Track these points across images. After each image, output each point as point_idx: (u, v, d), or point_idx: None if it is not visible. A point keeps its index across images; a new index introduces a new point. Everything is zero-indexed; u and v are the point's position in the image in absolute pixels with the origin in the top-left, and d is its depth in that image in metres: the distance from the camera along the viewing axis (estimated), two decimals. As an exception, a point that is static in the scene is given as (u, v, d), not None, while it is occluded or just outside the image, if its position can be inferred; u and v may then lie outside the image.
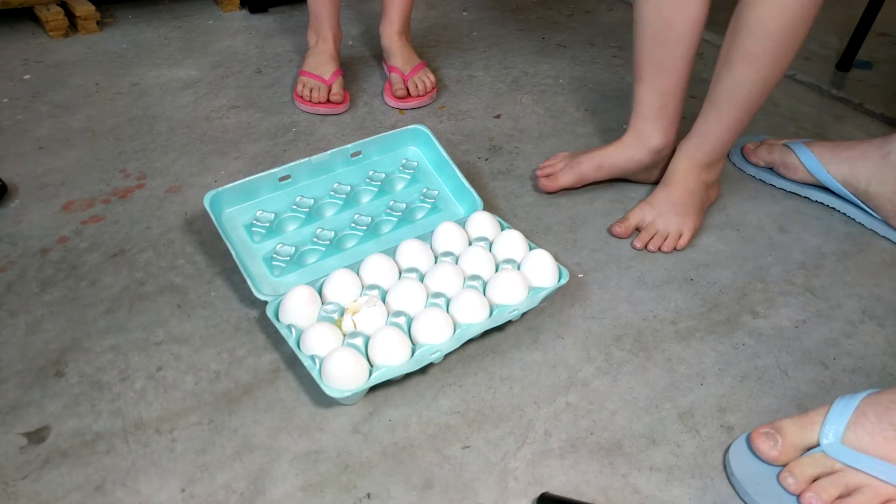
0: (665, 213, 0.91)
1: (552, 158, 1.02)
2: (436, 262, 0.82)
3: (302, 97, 1.18)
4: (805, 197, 1.01)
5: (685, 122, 1.23)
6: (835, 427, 0.63)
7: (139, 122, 1.14)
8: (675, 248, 0.90)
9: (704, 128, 0.92)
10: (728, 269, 0.89)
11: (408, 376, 0.72)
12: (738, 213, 0.99)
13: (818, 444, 0.63)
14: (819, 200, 1.00)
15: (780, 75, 0.85)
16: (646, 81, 0.95)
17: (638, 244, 0.90)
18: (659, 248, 0.90)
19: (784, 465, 0.63)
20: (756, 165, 1.06)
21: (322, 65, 1.20)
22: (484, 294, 0.77)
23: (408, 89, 1.21)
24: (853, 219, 0.97)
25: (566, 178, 0.99)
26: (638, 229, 0.93)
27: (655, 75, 0.94)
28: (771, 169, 1.04)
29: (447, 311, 0.75)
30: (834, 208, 0.99)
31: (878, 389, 0.65)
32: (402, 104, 1.21)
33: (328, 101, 1.18)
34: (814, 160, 0.97)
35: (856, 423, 0.62)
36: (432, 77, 1.24)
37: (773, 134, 1.18)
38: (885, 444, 0.60)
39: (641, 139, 0.97)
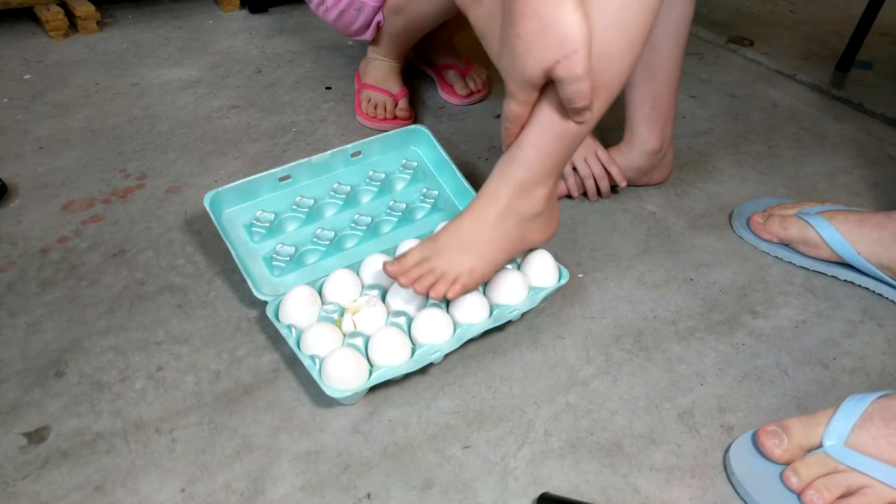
0: (445, 249, 0.72)
1: None
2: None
3: (367, 114, 1.14)
4: (832, 276, 0.87)
5: (683, 122, 1.23)
6: (839, 429, 0.63)
7: (139, 122, 1.14)
8: (445, 297, 0.71)
9: (520, 135, 0.71)
10: (728, 269, 0.89)
11: (408, 376, 0.72)
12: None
13: (822, 445, 0.63)
14: (849, 280, 0.86)
15: (615, 69, 0.66)
16: (635, 84, 0.94)
17: (402, 281, 0.72)
18: (426, 293, 0.71)
19: (786, 465, 0.63)
20: (769, 242, 0.91)
21: (389, 79, 1.17)
22: (484, 294, 0.77)
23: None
24: (891, 300, 0.85)
25: (565, 186, 0.99)
26: None
27: (644, 77, 0.93)
28: (788, 245, 0.90)
29: (447, 311, 0.75)
30: (868, 289, 0.86)
31: (889, 392, 0.65)
32: (467, 101, 1.22)
33: (395, 117, 1.14)
34: (839, 239, 0.84)
35: (861, 427, 0.62)
36: (484, 72, 1.25)
37: (772, 133, 1.18)
38: (889, 448, 0.60)
39: (636, 144, 0.97)
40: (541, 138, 0.69)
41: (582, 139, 0.70)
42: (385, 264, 0.73)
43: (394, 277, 0.73)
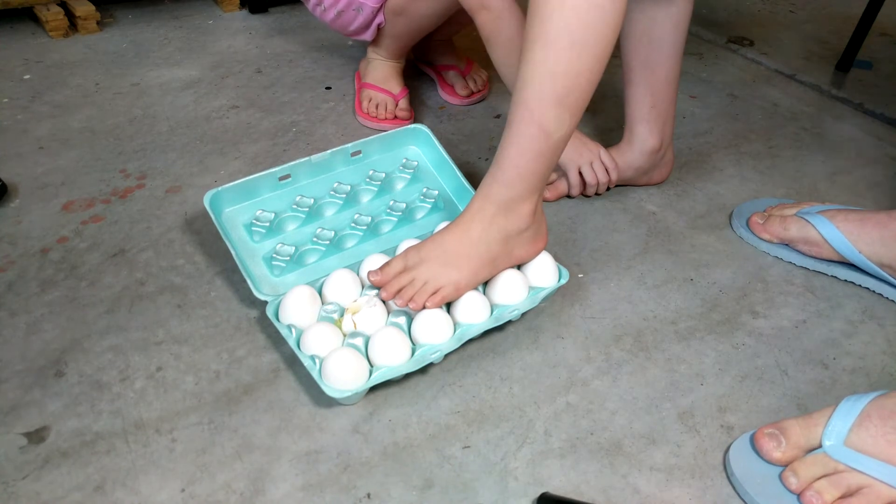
0: (430, 259, 0.74)
1: None
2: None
3: (367, 113, 1.15)
4: (832, 276, 0.87)
5: (683, 122, 1.23)
6: (837, 429, 0.63)
7: (139, 122, 1.14)
8: (424, 306, 0.72)
9: (499, 152, 0.72)
10: (728, 269, 0.89)
11: (408, 376, 0.72)
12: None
13: (821, 446, 0.63)
14: (850, 280, 0.86)
15: (583, 85, 0.67)
16: (634, 81, 0.94)
17: (383, 294, 0.74)
18: (407, 305, 0.73)
19: (786, 466, 0.63)
20: (769, 242, 0.91)
21: (390, 79, 1.17)
22: (484, 294, 0.77)
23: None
24: (891, 300, 0.85)
25: (565, 186, 0.99)
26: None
27: (644, 73, 0.93)
28: (788, 244, 0.90)
29: (447, 312, 0.75)
30: (869, 288, 0.86)
31: (885, 392, 0.65)
32: (467, 101, 1.22)
33: (395, 117, 1.15)
34: (840, 238, 0.84)
35: (859, 426, 0.62)
36: (484, 72, 1.25)
37: (772, 133, 1.18)
38: (888, 447, 0.60)
39: (635, 143, 0.97)
40: (520, 158, 0.71)
41: (560, 153, 0.73)
42: (368, 274, 0.75)
43: (377, 287, 0.75)
